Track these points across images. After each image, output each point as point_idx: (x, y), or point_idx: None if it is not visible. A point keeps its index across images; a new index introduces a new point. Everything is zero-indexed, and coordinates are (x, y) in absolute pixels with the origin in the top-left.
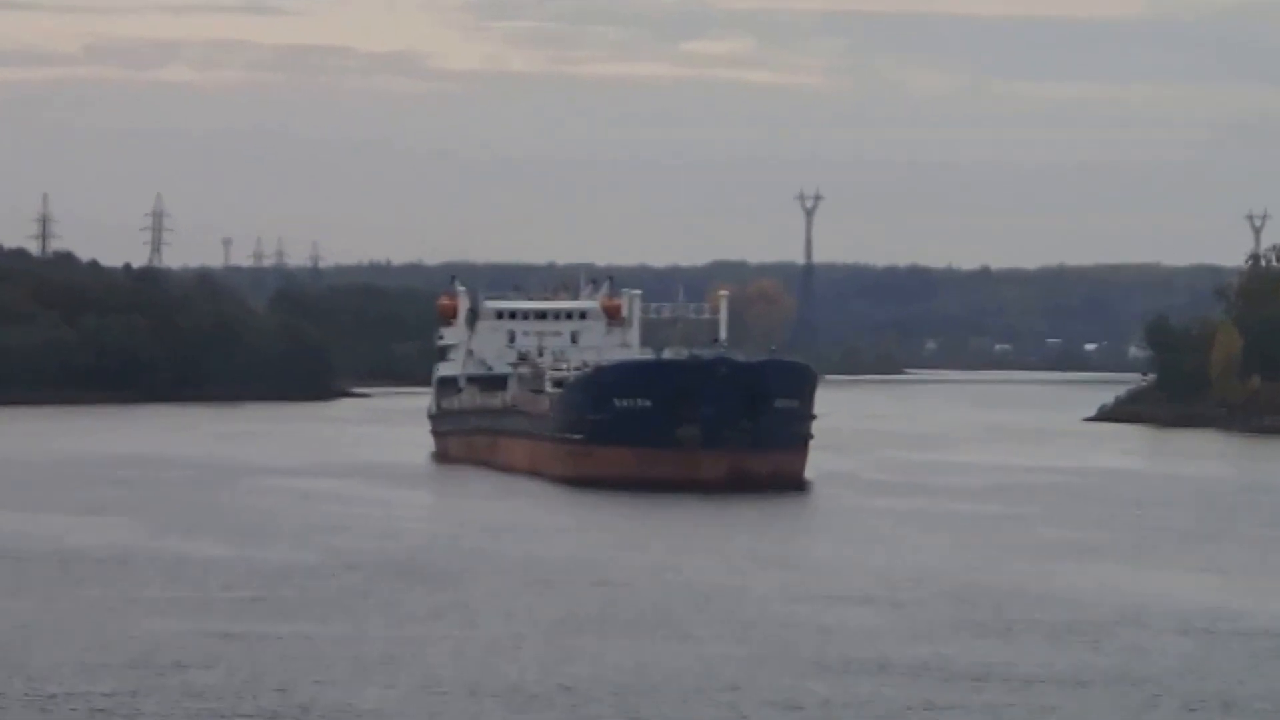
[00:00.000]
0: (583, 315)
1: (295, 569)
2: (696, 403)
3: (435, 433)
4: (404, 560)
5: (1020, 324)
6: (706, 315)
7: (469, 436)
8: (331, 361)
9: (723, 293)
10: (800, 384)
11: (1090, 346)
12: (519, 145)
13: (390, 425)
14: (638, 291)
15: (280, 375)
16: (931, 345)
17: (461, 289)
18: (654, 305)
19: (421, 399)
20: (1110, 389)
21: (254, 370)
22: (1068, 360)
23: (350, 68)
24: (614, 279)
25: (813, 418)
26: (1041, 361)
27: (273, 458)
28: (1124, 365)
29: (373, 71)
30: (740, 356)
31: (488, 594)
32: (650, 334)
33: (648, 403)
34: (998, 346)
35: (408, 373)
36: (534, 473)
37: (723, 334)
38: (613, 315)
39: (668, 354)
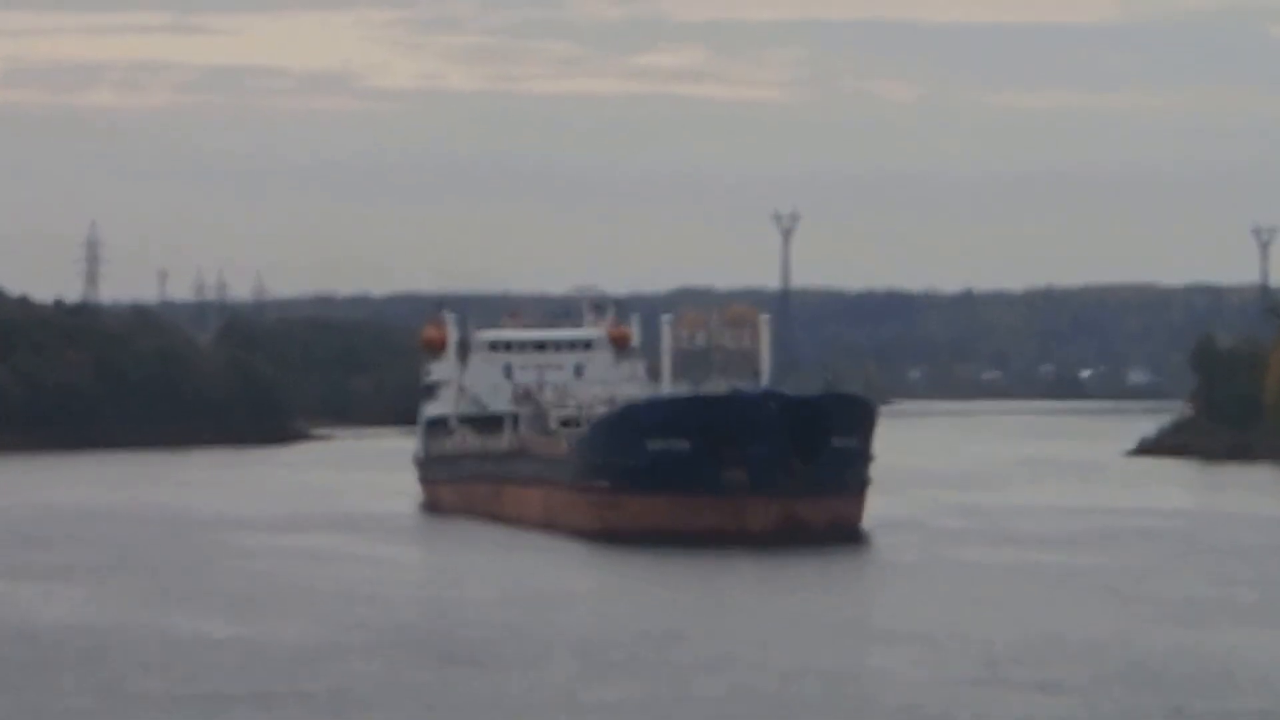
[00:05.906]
0: (587, 345)
1: (313, 651)
2: (743, 443)
3: (425, 480)
4: (439, 638)
5: (1008, 349)
6: (746, 343)
7: (466, 484)
8: (284, 400)
9: (764, 316)
10: (860, 420)
11: (1085, 373)
12: (460, 167)
13: (364, 471)
14: (669, 316)
15: (232, 416)
16: (915, 374)
17: (450, 317)
18: (682, 334)
19: (388, 440)
20: (1118, 419)
21: (203, 411)
22: (1063, 388)
23: (282, 89)
24: (620, 304)
25: (871, 459)
26: (1035, 389)
27: (246, 510)
28: (1123, 392)
29: (306, 92)
30: (789, 390)
31: (558, 683)
32: (675, 365)
33: (686, 444)
34: (985, 374)
35: (365, 411)
36: (549, 526)
37: (765, 364)
38: (620, 344)
39: (705, 389)
